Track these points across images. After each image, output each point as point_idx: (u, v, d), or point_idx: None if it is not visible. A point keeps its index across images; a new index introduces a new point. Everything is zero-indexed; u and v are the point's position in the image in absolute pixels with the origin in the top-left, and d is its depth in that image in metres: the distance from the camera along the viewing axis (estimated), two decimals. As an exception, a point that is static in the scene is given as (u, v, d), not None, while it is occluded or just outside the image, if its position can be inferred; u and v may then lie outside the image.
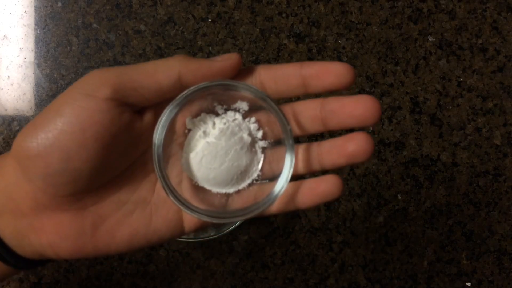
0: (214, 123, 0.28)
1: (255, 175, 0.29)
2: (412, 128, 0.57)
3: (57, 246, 0.27)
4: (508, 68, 0.57)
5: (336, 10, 0.57)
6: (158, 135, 0.26)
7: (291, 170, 0.27)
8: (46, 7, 0.56)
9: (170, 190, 0.26)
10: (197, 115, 0.28)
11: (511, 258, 0.57)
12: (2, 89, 0.56)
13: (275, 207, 0.28)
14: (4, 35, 0.56)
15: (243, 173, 0.28)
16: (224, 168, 0.27)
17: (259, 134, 0.29)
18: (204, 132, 0.28)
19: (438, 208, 0.57)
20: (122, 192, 0.27)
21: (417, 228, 0.57)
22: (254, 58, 0.57)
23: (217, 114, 0.29)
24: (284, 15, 0.57)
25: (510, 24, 0.57)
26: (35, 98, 0.56)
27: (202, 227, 0.29)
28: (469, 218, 0.57)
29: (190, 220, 0.28)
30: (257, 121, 0.29)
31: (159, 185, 0.28)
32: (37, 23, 0.56)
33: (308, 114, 0.28)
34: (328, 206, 0.57)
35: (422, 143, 0.57)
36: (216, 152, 0.27)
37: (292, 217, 0.57)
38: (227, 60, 0.26)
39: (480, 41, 0.57)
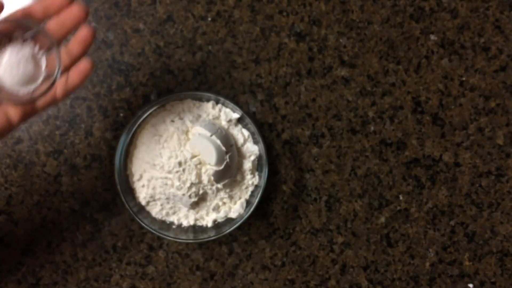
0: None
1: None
2: (414, 128, 0.56)
3: None
4: (510, 67, 0.57)
5: (337, 8, 0.56)
6: None
7: (60, 68, 0.40)
8: (44, 5, 0.56)
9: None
10: None
11: (514, 259, 0.57)
12: None
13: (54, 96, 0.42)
14: (2, 34, 0.56)
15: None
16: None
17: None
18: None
19: (440, 208, 0.57)
20: None
21: (419, 229, 0.57)
22: (254, 57, 0.56)
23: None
24: (284, 13, 0.56)
25: (513, 23, 0.57)
26: (32, 97, 0.56)
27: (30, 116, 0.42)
28: (472, 219, 0.57)
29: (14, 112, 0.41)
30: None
31: None
32: (35, 22, 0.56)
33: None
34: (329, 207, 0.56)
35: (424, 143, 0.56)
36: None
37: (292, 218, 0.57)
38: None
39: (482, 40, 0.57)
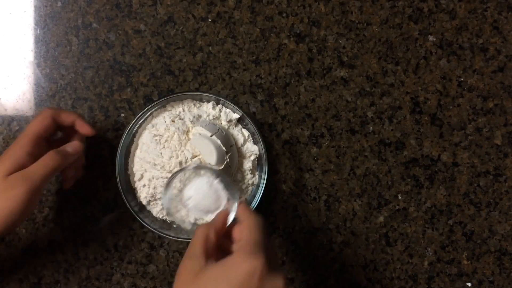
0: None
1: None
2: (412, 128, 0.57)
3: None
4: (508, 68, 0.57)
5: (336, 9, 0.57)
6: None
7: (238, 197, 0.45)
8: (46, 6, 0.56)
9: None
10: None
11: (511, 258, 0.57)
12: (2, 88, 0.56)
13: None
14: (4, 35, 0.56)
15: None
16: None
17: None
18: None
19: (439, 208, 0.57)
20: None
21: (417, 228, 0.57)
22: (254, 57, 0.56)
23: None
24: (284, 14, 0.57)
25: (510, 24, 0.57)
26: (34, 98, 0.56)
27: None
28: (470, 218, 0.57)
29: None
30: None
31: None
32: (37, 23, 0.56)
33: None
34: (328, 206, 0.57)
35: (422, 143, 0.57)
36: None
37: (292, 217, 0.57)
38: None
39: (480, 41, 0.57)
